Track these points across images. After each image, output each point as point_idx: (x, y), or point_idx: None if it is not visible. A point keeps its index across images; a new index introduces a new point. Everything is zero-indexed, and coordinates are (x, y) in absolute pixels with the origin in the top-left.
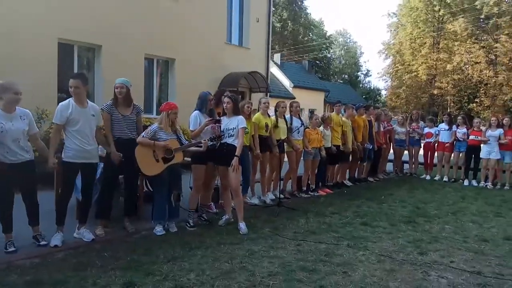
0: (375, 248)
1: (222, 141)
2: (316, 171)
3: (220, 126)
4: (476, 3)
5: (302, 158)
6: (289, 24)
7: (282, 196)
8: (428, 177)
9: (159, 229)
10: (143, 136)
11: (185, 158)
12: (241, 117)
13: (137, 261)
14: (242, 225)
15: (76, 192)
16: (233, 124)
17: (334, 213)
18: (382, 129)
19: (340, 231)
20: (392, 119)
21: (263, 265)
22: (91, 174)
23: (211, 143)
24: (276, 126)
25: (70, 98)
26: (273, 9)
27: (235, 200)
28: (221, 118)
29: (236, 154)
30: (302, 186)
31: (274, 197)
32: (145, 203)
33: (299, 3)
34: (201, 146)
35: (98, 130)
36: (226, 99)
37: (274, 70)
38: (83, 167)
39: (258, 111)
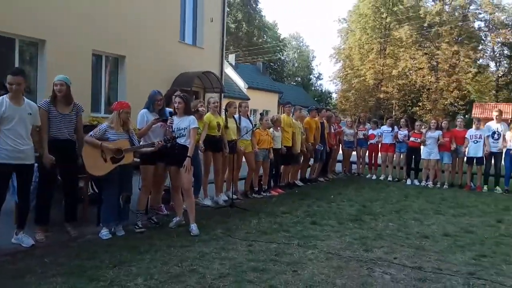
0: (324, 246)
1: (174, 143)
2: (268, 171)
3: (171, 126)
4: (420, 12)
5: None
6: (244, 25)
7: (235, 197)
8: (374, 177)
9: (105, 233)
10: (91, 135)
11: (135, 159)
12: (192, 117)
13: (81, 267)
14: (194, 227)
15: (13, 195)
16: (184, 124)
17: (285, 212)
18: (333, 130)
19: (291, 230)
20: (341, 121)
21: (214, 267)
22: (27, 176)
23: (166, 144)
24: (226, 126)
25: (4, 95)
26: (228, 9)
27: (186, 202)
28: (172, 117)
29: (188, 154)
30: (254, 186)
31: (227, 198)
32: (90, 205)
33: (253, 5)
34: (154, 147)
35: (34, 129)
36: (177, 99)
37: (229, 71)
38: (18, 169)
39: (208, 111)
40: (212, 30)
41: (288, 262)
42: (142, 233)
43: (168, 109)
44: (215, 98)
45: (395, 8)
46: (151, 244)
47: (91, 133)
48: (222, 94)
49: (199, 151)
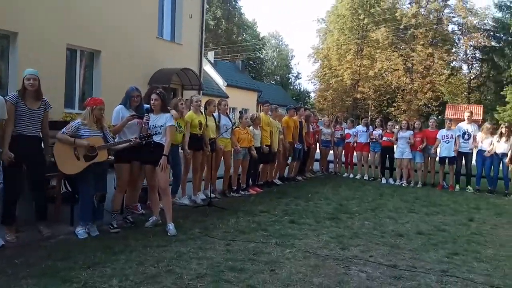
0: (302, 245)
1: (150, 140)
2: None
3: (147, 123)
4: (396, 14)
5: (232, 157)
6: (223, 22)
7: (213, 195)
8: (351, 176)
9: (81, 231)
10: (63, 132)
11: (110, 157)
12: (169, 114)
13: (53, 268)
14: (171, 226)
15: None
16: (160, 121)
17: (263, 211)
18: (311, 130)
19: (269, 229)
20: (319, 120)
21: (191, 267)
22: None
23: (140, 141)
24: (205, 124)
25: None
26: (207, 6)
27: (163, 201)
28: (148, 114)
29: (164, 153)
30: (232, 185)
31: (205, 197)
32: (63, 204)
33: (233, 2)
34: (128, 144)
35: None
36: (153, 96)
37: (208, 68)
38: None
39: (190, 109)
40: (191, 26)
41: (266, 261)
42: (117, 233)
43: (146, 106)
44: (198, 96)
45: (372, 10)
46: (126, 245)
47: (63, 130)
48: (201, 92)
49: (179, 150)
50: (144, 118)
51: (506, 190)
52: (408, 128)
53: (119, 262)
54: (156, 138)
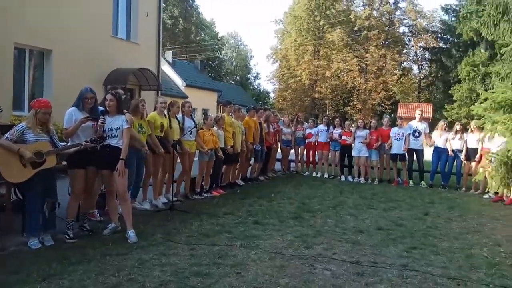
0: (267, 246)
1: (104, 143)
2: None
3: (102, 126)
4: (351, 16)
5: (197, 159)
6: (181, 22)
7: (175, 199)
8: (315, 174)
9: (33, 242)
10: (7, 138)
11: (64, 162)
12: (124, 116)
13: (5, 282)
14: (131, 233)
15: None
16: (116, 124)
17: (227, 213)
18: (272, 130)
19: (233, 231)
20: (280, 120)
21: (154, 274)
22: None
23: (93, 145)
24: (169, 126)
25: None
26: (164, 5)
27: (122, 206)
28: (103, 117)
29: (121, 157)
30: (195, 187)
31: (166, 201)
32: (14, 213)
33: (190, 1)
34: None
35: None
36: (108, 96)
37: (166, 68)
38: None
39: (154, 110)
40: (147, 25)
41: (232, 264)
42: (73, 243)
43: (101, 108)
44: (163, 98)
45: (328, 12)
46: (84, 254)
47: (7, 135)
48: (159, 92)
49: (142, 152)
50: (99, 121)
51: (457, 185)
52: (364, 127)
53: (76, 273)
54: (112, 142)
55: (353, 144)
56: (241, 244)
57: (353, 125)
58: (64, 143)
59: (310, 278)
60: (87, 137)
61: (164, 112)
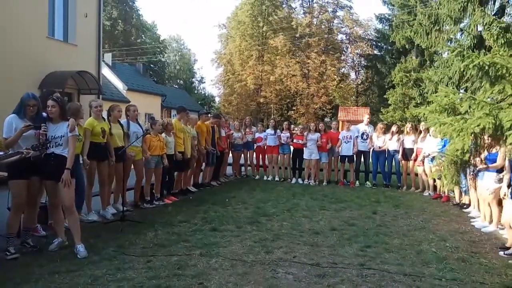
0: (227, 253)
1: (48, 152)
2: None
3: (45, 135)
4: (292, 23)
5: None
6: (120, 23)
7: (125, 209)
8: (266, 178)
9: None
10: None
11: (0, 173)
12: (69, 122)
13: None
14: (80, 248)
15: None
16: (60, 131)
17: (182, 221)
18: (223, 134)
19: (190, 240)
20: (230, 124)
21: None
22: None
23: (34, 153)
24: (110, 132)
25: None
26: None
27: (69, 219)
28: (45, 124)
29: (67, 166)
30: (145, 196)
31: (115, 211)
32: None
33: (130, 3)
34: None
35: None
36: (50, 102)
37: (105, 71)
38: None
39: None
40: (86, 26)
41: (193, 275)
42: (16, 260)
43: (44, 114)
44: (98, 101)
45: (271, 18)
46: (29, 273)
47: None
48: (100, 96)
49: (80, 161)
50: (42, 129)
51: (398, 183)
52: (316, 131)
53: None
54: (56, 150)
55: (304, 147)
56: (200, 252)
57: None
58: (2, 153)
59: (274, 283)
60: (28, 145)
61: (102, 116)
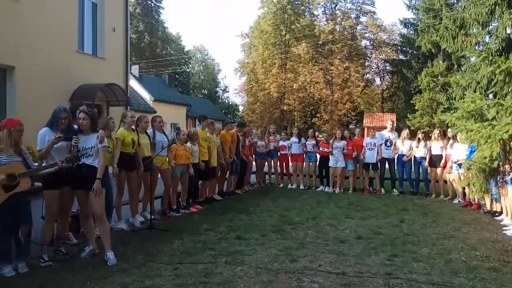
0: (252, 261)
1: (80, 162)
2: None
3: (76, 146)
4: (315, 30)
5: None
6: (146, 36)
7: (152, 217)
8: (290, 186)
9: (7, 270)
10: None
11: (35, 183)
12: (98, 134)
13: None
14: (110, 255)
15: None
16: (91, 142)
17: (208, 229)
18: (247, 143)
19: (216, 248)
20: (253, 133)
21: None
22: None
23: (68, 164)
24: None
25: None
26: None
27: (99, 228)
28: (77, 136)
29: (97, 176)
30: (171, 204)
31: (143, 219)
32: None
33: (155, 16)
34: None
35: None
36: (81, 115)
37: (133, 83)
38: None
39: (120, 126)
40: (114, 40)
41: (219, 282)
42: (49, 267)
43: (75, 127)
44: (132, 113)
45: (293, 26)
46: (62, 280)
47: None
48: (128, 107)
49: (109, 171)
50: (73, 140)
51: (427, 191)
52: (342, 139)
53: None
54: (87, 161)
55: (330, 155)
56: (226, 260)
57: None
58: (37, 164)
59: None
60: (62, 158)
61: (132, 127)
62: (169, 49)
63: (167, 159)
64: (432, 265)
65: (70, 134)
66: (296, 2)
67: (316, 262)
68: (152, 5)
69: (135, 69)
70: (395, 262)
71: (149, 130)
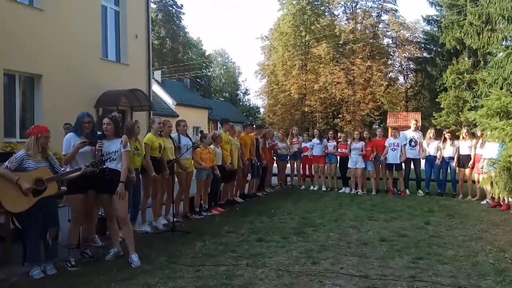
0: (273, 264)
1: (103, 167)
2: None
3: (100, 150)
4: (335, 30)
5: (194, 177)
6: (168, 42)
7: (175, 219)
8: (312, 188)
9: (36, 272)
10: (6, 166)
11: (63, 187)
12: (121, 139)
13: None
14: (134, 257)
15: None
16: (114, 147)
17: (229, 232)
18: (267, 145)
19: (237, 250)
20: (274, 135)
21: None
22: None
23: (93, 168)
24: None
25: None
26: (151, 26)
27: (123, 230)
28: (101, 140)
29: (121, 180)
30: (195, 207)
31: (166, 222)
32: (14, 243)
33: (176, 21)
34: (79, 172)
35: None
36: (105, 120)
37: (156, 88)
38: None
39: (149, 131)
40: (136, 46)
41: (240, 285)
42: (76, 270)
43: (100, 132)
44: (159, 119)
45: (313, 27)
46: (88, 281)
47: (6, 163)
48: (151, 112)
49: (140, 175)
50: (97, 145)
51: (454, 192)
52: (360, 139)
53: None
54: (110, 165)
55: (349, 156)
56: (247, 263)
57: (348, 137)
58: (63, 169)
59: None
60: (87, 162)
61: (159, 132)
62: (190, 54)
63: (193, 162)
64: (458, 268)
65: (94, 139)
66: (316, 3)
67: (338, 265)
68: (173, 11)
69: (157, 75)
70: (420, 265)
71: (174, 134)
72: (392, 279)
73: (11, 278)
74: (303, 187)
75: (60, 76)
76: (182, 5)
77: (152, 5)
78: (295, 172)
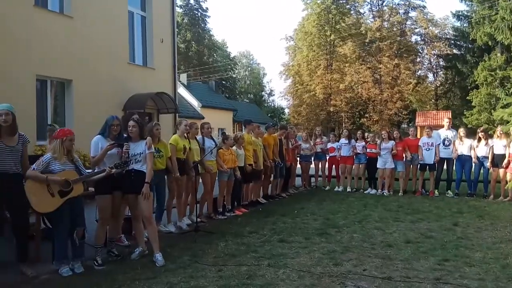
0: (295, 264)
1: (129, 168)
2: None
3: (127, 152)
4: (361, 28)
5: (216, 179)
6: (193, 45)
7: (198, 220)
8: (337, 188)
9: (64, 270)
10: (34, 169)
11: (90, 188)
12: (146, 141)
13: None
14: (158, 256)
15: None
16: (139, 149)
17: (252, 232)
18: (290, 146)
19: (259, 250)
20: (297, 135)
21: None
22: None
23: (117, 170)
24: (189, 148)
25: None
26: (177, 30)
27: (148, 230)
28: (128, 143)
29: (146, 180)
30: (218, 207)
31: (190, 222)
32: (44, 241)
33: (202, 25)
34: (104, 173)
35: None
36: (130, 123)
37: (181, 91)
38: None
39: (175, 133)
40: (162, 50)
41: (261, 285)
42: (102, 268)
43: (125, 135)
44: (186, 121)
45: (338, 26)
46: (113, 279)
47: (33, 166)
48: (177, 115)
49: (165, 176)
50: (124, 147)
51: (484, 192)
52: (389, 139)
53: None
54: (136, 166)
55: (378, 156)
56: (269, 263)
57: (377, 137)
58: (89, 170)
59: None
60: (112, 164)
61: (185, 135)
62: (215, 56)
63: (216, 163)
64: (486, 270)
65: (120, 141)
66: (341, 1)
67: (361, 267)
68: (199, 14)
69: (183, 77)
70: (446, 267)
71: (199, 137)
72: (416, 281)
73: (42, 275)
74: (327, 187)
75: (89, 81)
76: (207, 8)
77: (178, 10)
78: (320, 172)
